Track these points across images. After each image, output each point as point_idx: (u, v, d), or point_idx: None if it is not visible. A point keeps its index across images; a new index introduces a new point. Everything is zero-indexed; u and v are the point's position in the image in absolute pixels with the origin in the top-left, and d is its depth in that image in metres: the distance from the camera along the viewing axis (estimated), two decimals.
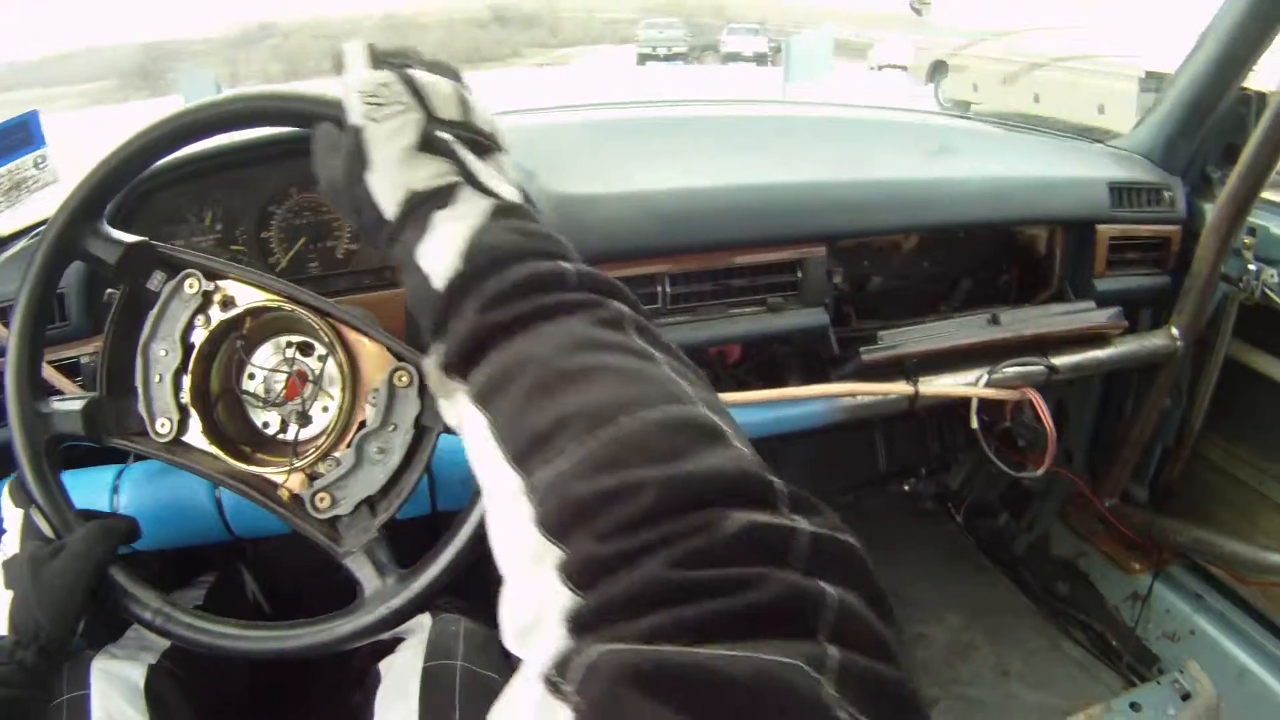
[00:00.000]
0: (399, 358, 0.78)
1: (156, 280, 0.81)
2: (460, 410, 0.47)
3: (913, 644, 1.74)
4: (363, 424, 0.78)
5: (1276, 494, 1.67)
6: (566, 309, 0.46)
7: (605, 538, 0.34)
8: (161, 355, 0.80)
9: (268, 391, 0.82)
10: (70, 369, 1.06)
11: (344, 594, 0.78)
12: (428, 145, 0.53)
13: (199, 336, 0.80)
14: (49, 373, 1.00)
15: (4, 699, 0.67)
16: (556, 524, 0.36)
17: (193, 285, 0.79)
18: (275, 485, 0.80)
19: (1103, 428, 1.82)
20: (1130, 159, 1.64)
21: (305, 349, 0.83)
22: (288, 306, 0.79)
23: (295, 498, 0.79)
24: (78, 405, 0.80)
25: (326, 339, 0.79)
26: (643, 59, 22.24)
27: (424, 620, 0.92)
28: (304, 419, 0.81)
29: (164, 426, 0.80)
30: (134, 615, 0.78)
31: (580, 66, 21.87)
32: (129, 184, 0.87)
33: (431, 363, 0.48)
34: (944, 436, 2.05)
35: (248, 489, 0.79)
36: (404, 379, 0.77)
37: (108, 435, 0.81)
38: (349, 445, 0.78)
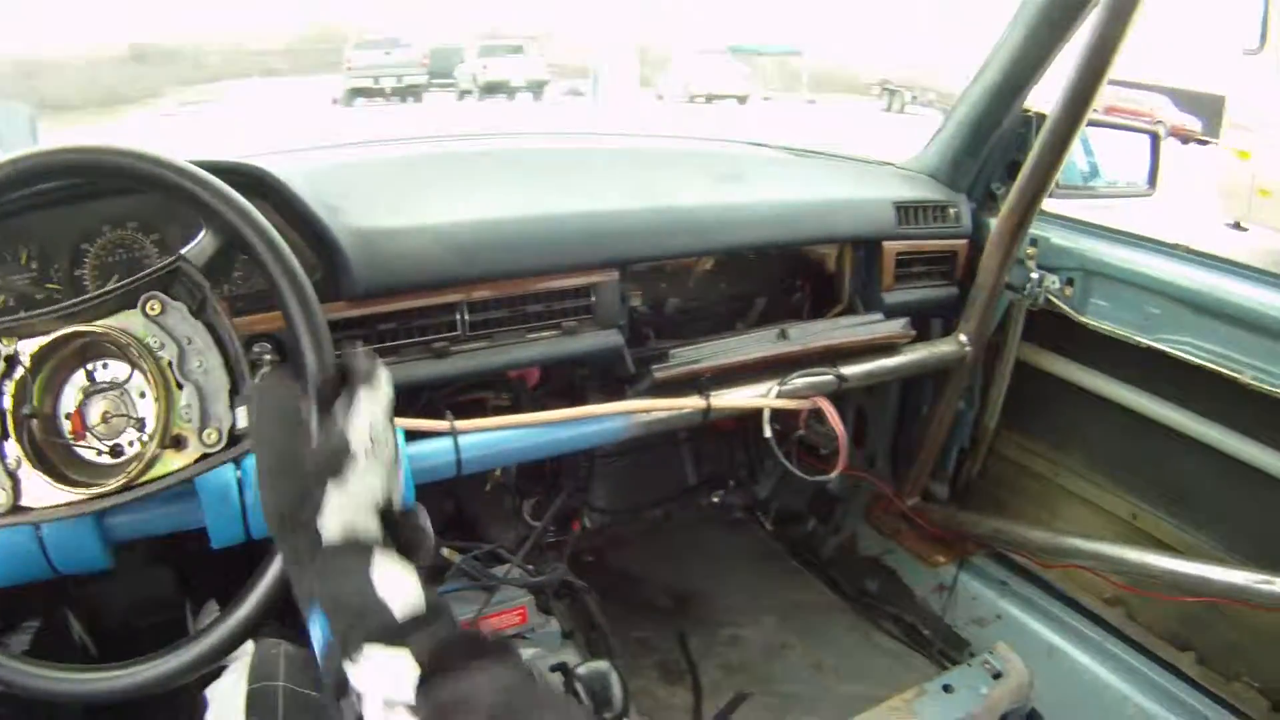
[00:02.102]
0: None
1: None
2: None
3: (728, 646, 1.87)
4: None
5: (1071, 484, 1.85)
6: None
7: None
8: None
9: (84, 426, 0.86)
10: None
11: (169, 631, 0.84)
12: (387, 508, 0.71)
13: (5, 403, 0.83)
14: None
15: None
16: None
17: None
18: None
19: (902, 432, 1.98)
20: (917, 179, 1.80)
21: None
22: (74, 333, 0.84)
23: None
24: None
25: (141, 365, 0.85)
26: (352, 96, 18.55)
27: (247, 645, 0.98)
28: (120, 433, 0.86)
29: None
30: None
31: (230, 102, 19.55)
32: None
33: (374, 682, 0.61)
34: (750, 449, 2.19)
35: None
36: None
37: None
38: None
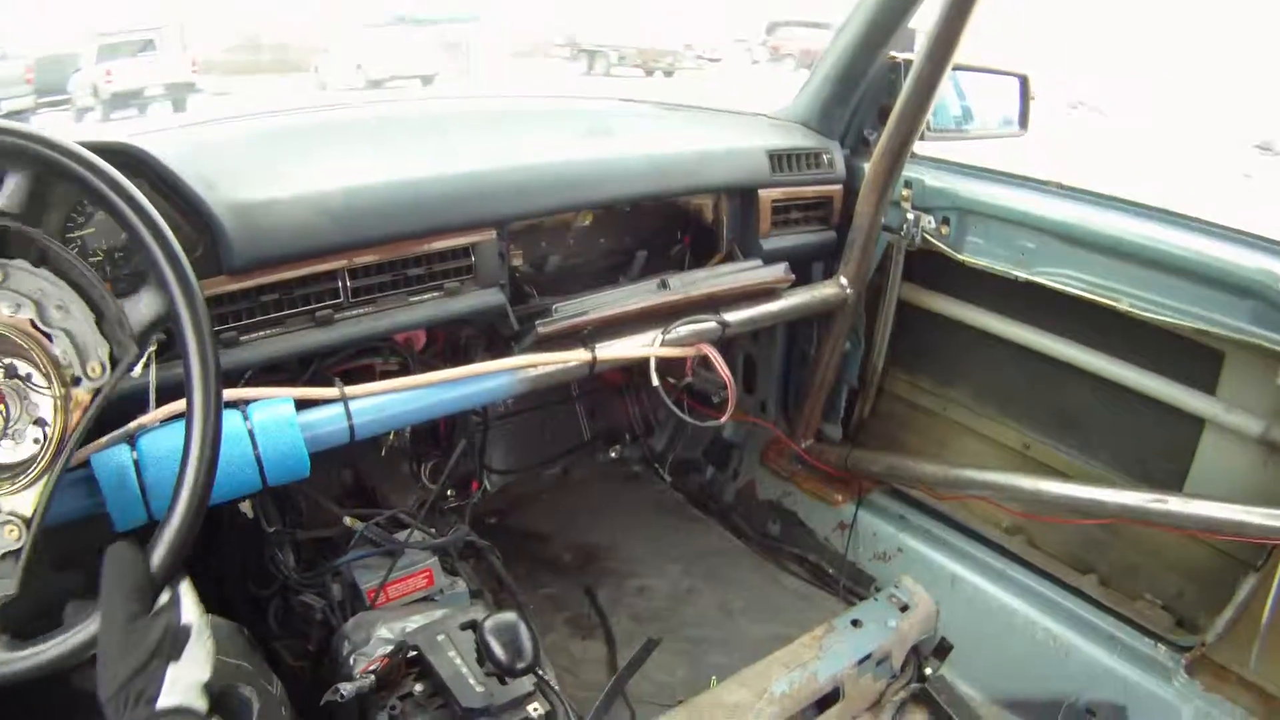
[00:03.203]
0: None
1: None
2: None
3: (635, 597, 1.92)
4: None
5: (960, 417, 1.95)
6: None
7: None
8: None
9: None
10: None
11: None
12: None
13: None
14: None
15: None
16: None
17: None
18: None
19: (791, 376, 2.06)
20: (789, 127, 1.87)
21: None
22: None
23: None
24: None
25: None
26: None
27: None
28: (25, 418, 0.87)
29: None
30: None
31: None
32: None
33: None
34: (643, 402, 2.25)
35: None
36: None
37: None
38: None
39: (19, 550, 0.85)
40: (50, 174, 0.88)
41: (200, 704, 0.77)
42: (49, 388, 0.86)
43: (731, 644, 1.80)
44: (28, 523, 0.85)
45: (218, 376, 0.89)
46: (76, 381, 0.87)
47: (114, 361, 0.88)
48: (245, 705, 0.99)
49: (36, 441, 0.87)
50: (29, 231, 0.87)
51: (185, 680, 0.77)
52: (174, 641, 0.78)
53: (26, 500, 0.86)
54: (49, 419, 0.86)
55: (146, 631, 0.78)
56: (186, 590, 0.84)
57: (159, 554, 0.85)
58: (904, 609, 1.77)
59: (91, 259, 1.22)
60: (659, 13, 20.49)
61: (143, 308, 0.89)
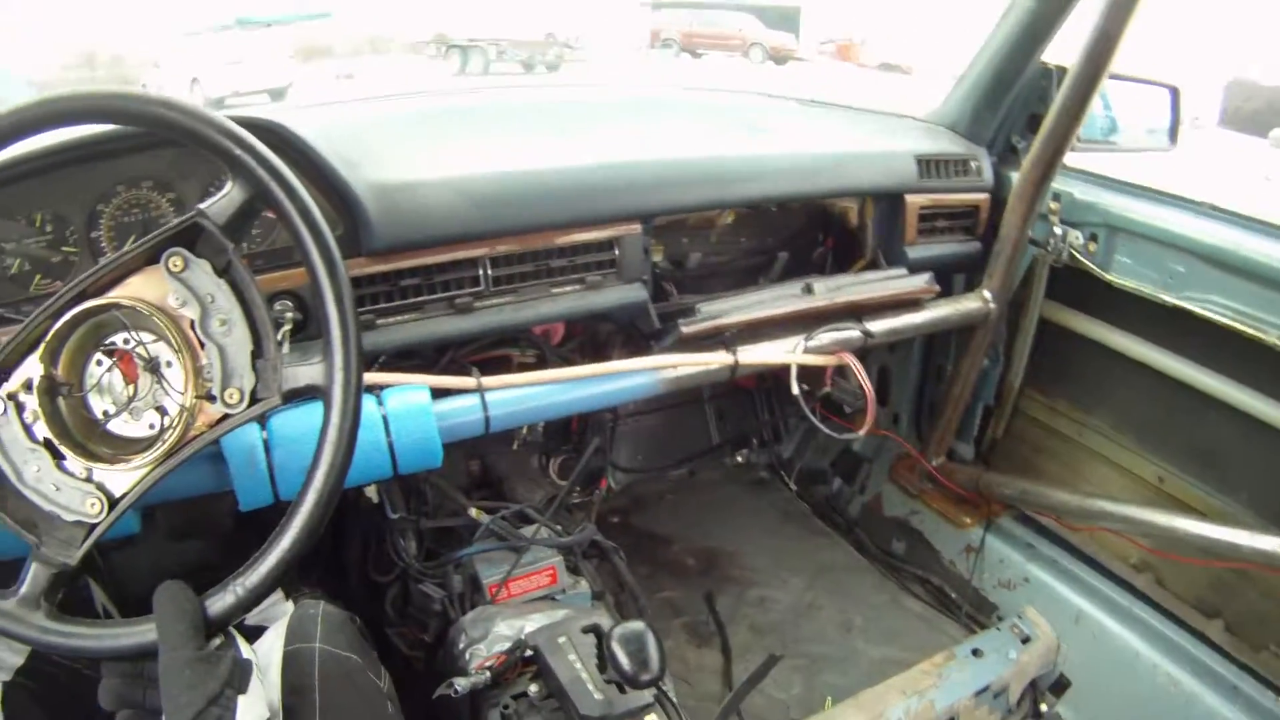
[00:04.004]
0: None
1: None
2: None
3: (755, 608, 1.89)
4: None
5: (1097, 444, 1.87)
6: None
7: None
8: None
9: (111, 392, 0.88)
10: None
11: None
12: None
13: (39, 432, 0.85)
14: None
15: None
16: None
17: None
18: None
19: (926, 390, 2.00)
20: (937, 131, 1.82)
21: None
22: (84, 312, 0.85)
23: None
24: None
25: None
26: None
27: (285, 606, 1.01)
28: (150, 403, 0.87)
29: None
30: None
31: None
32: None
33: None
34: (774, 408, 2.21)
35: None
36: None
37: None
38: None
39: (93, 525, 0.85)
40: (263, 200, 0.88)
41: None
42: (182, 392, 0.85)
43: (849, 664, 1.77)
44: (113, 503, 0.85)
45: (359, 359, 0.87)
46: (210, 398, 0.86)
47: (253, 399, 0.87)
48: None
49: (152, 427, 0.87)
50: (224, 242, 0.87)
51: (251, 711, 0.78)
52: (241, 673, 0.80)
53: (121, 480, 0.85)
54: (171, 415, 0.86)
55: (216, 664, 0.79)
56: (234, 631, 0.86)
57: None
58: (1025, 641, 1.73)
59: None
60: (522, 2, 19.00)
61: (301, 372, 0.88)
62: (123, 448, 0.86)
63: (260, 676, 0.83)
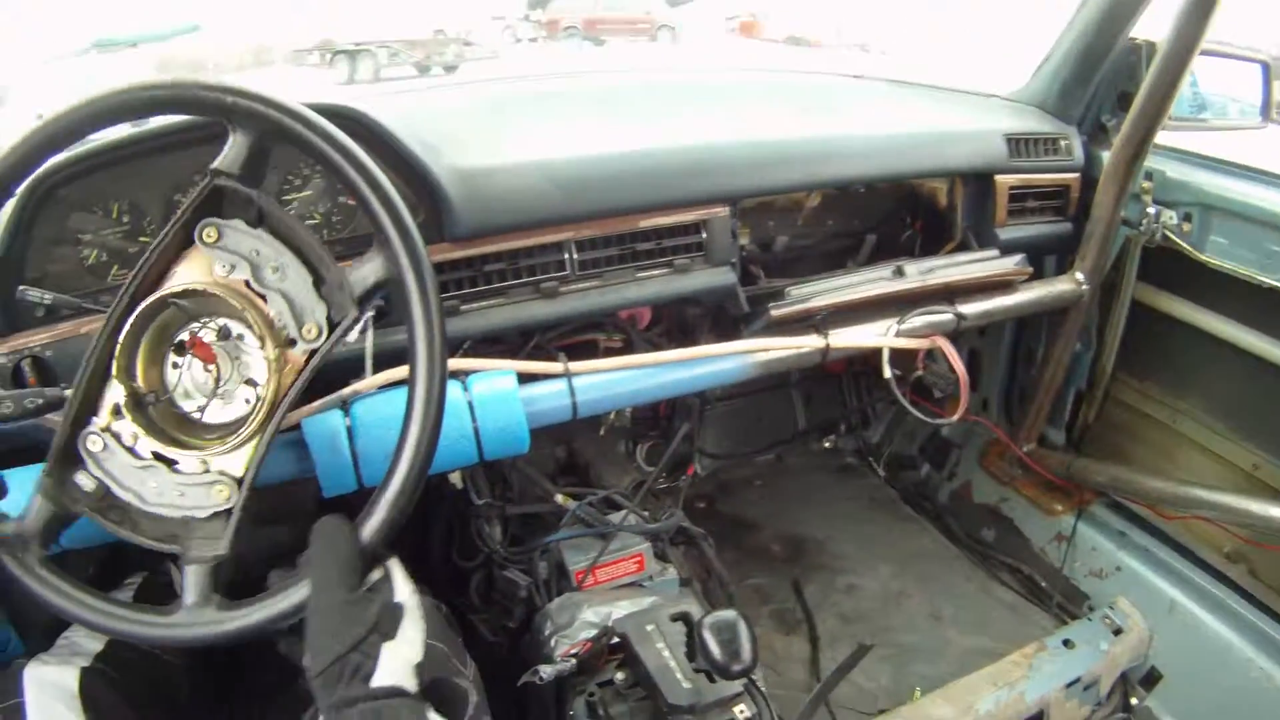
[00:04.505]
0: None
1: None
2: None
3: (844, 595, 1.87)
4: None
5: (1190, 430, 1.82)
6: None
7: None
8: None
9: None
10: None
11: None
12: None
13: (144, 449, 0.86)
14: None
15: None
16: None
17: None
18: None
19: (1016, 375, 1.97)
20: (1025, 110, 1.79)
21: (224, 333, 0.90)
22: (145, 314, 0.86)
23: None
24: None
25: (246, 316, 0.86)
26: None
27: None
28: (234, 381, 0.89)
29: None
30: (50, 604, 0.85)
31: None
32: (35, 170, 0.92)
33: None
34: (861, 392, 2.19)
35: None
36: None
37: None
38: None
39: (229, 510, 0.86)
40: (273, 136, 0.87)
41: (412, 685, 0.75)
42: (262, 349, 0.86)
43: (938, 654, 1.75)
44: (238, 483, 0.86)
45: (443, 345, 0.86)
46: (291, 343, 0.87)
47: (331, 325, 0.87)
48: (461, 697, 0.97)
49: (248, 402, 0.88)
50: (247, 192, 0.86)
51: (400, 659, 0.75)
52: (390, 618, 0.77)
53: (237, 461, 0.86)
54: (261, 380, 0.87)
55: (363, 607, 0.77)
56: (397, 567, 0.83)
57: (372, 526, 0.84)
58: (1117, 632, 1.70)
59: (308, 222, 1.25)
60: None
61: (365, 271, 0.88)
62: (229, 430, 0.87)
63: (415, 619, 0.79)
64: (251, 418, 0.85)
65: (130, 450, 0.86)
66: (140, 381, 0.85)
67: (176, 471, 0.86)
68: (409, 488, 0.85)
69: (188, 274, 0.86)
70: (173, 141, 1.17)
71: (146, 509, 0.86)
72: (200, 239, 0.86)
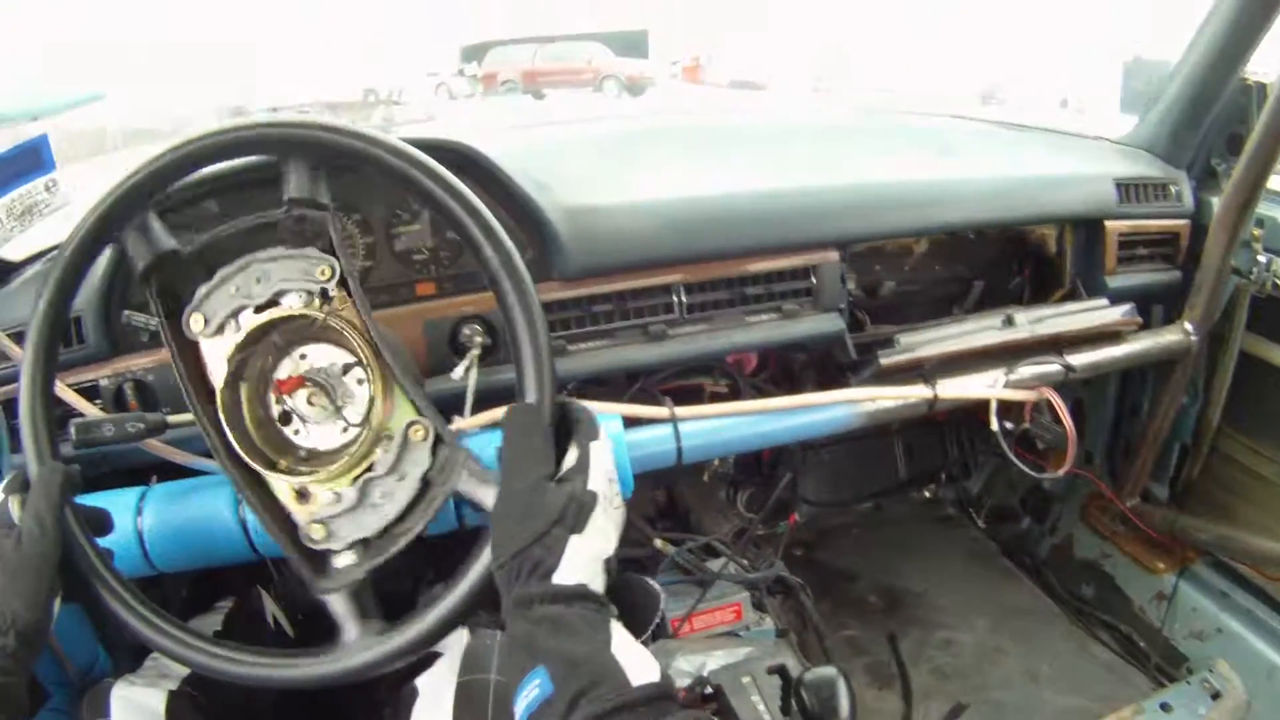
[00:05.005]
0: (418, 411, 0.86)
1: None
2: None
3: (939, 650, 1.83)
4: (371, 466, 0.85)
5: None
6: None
7: None
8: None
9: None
10: (89, 391, 1.13)
11: None
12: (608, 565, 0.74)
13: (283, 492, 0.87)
14: (70, 395, 1.07)
15: None
16: None
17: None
18: (280, 505, 0.87)
19: (1120, 427, 1.91)
20: (1135, 154, 1.74)
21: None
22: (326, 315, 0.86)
23: (290, 523, 0.87)
24: None
25: (359, 355, 0.86)
26: None
27: (461, 635, 0.99)
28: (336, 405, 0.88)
29: None
30: (144, 638, 0.84)
31: None
32: (182, 179, 0.92)
33: None
34: (963, 442, 2.14)
35: (255, 502, 0.86)
36: (419, 433, 0.85)
37: None
38: (354, 482, 0.85)
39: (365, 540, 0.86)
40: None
41: (599, 582, 0.72)
42: (363, 383, 0.86)
43: (1033, 713, 1.71)
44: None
45: (553, 385, 0.84)
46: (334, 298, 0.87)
47: (329, 250, 0.88)
48: (654, 601, 0.92)
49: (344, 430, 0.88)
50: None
51: (586, 555, 0.71)
52: (578, 510, 0.73)
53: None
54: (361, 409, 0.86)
55: (550, 496, 0.73)
56: (596, 451, 0.79)
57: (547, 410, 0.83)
58: (1215, 696, 1.64)
59: (416, 257, 1.25)
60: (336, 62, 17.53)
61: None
62: (331, 457, 0.87)
63: (608, 509, 0.76)
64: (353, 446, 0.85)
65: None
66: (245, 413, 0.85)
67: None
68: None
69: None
70: (277, 174, 1.18)
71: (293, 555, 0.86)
72: (195, 334, 0.86)
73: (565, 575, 0.70)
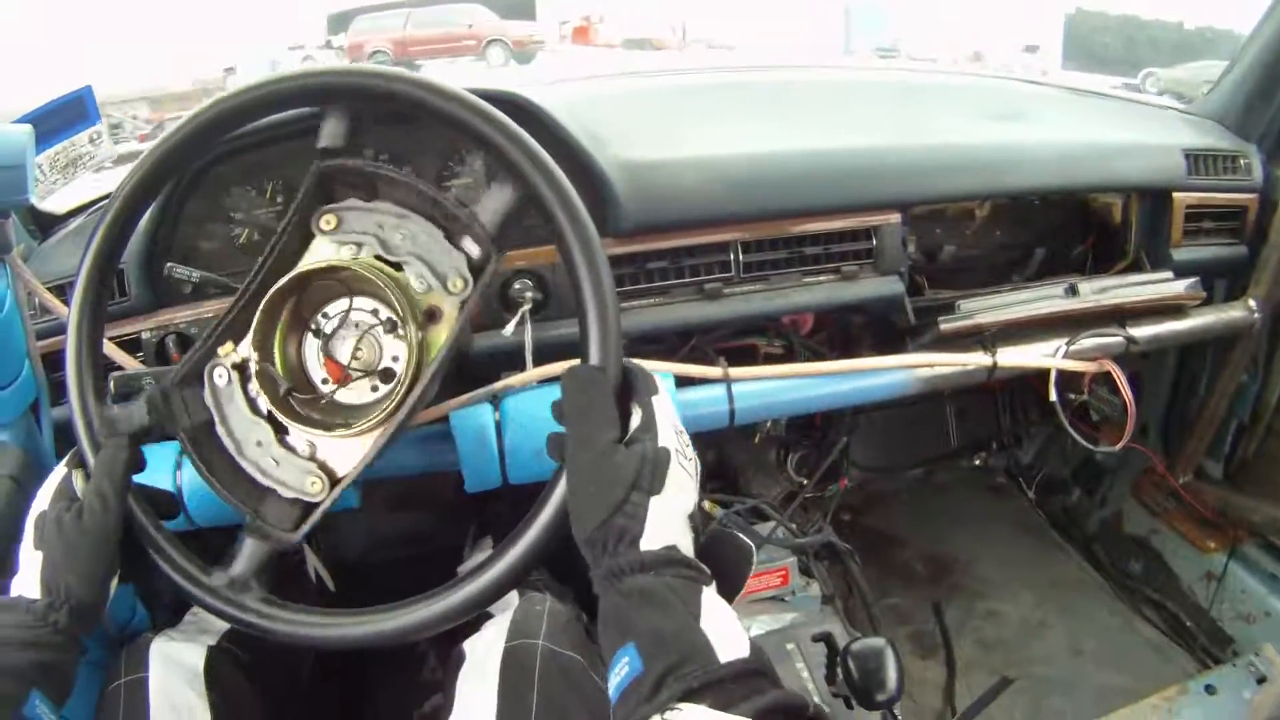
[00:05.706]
0: None
1: None
2: None
3: (984, 621, 1.82)
4: None
5: None
6: None
7: None
8: None
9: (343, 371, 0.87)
10: (131, 344, 1.14)
11: (409, 569, 0.83)
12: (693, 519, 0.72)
13: (264, 406, 0.85)
14: (110, 349, 1.07)
15: (42, 662, 0.72)
16: None
17: None
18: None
19: (1178, 402, 1.89)
20: (1205, 125, 1.71)
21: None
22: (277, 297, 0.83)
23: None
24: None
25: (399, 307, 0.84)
26: None
27: (510, 599, 0.98)
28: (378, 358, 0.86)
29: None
30: (204, 603, 0.84)
31: None
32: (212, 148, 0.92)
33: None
34: (1015, 411, 2.12)
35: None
36: None
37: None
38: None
39: (313, 504, 0.84)
40: (360, 106, 0.86)
41: (688, 543, 0.70)
42: (401, 332, 0.83)
43: (1077, 689, 1.69)
44: (334, 481, 0.84)
45: (619, 348, 0.82)
46: (434, 315, 0.84)
47: (475, 270, 0.85)
48: (746, 556, 0.90)
49: (374, 389, 0.86)
50: (358, 165, 0.85)
51: (669, 514, 0.70)
52: (653, 470, 0.71)
53: (346, 454, 0.85)
54: (402, 356, 0.84)
55: (622, 460, 0.71)
56: (658, 404, 0.77)
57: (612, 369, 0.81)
58: (1261, 681, 1.62)
59: (465, 208, 1.23)
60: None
61: (492, 204, 0.85)
62: (353, 415, 0.85)
63: (682, 462, 0.73)
64: (385, 403, 0.82)
65: (250, 401, 0.85)
66: (278, 368, 0.84)
67: (283, 441, 0.85)
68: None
69: (314, 262, 0.85)
70: None
71: (240, 460, 0.85)
72: (318, 229, 0.85)
73: (652, 540, 0.68)
